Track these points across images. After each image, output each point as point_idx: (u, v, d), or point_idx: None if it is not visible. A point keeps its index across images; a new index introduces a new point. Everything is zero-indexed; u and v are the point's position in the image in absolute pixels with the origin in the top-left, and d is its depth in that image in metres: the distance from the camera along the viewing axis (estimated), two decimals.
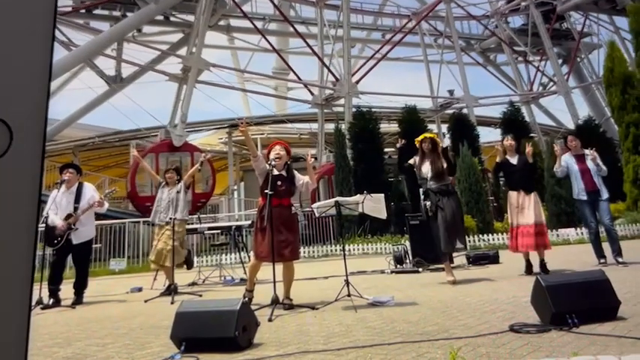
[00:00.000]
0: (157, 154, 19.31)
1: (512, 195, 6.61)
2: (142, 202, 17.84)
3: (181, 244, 7.14)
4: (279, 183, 4.91)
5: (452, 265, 7.55)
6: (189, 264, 7.83)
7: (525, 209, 6.42)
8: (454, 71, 26.09)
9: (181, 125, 19.34)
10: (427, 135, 6.64)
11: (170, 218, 6.71)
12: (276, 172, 4.95)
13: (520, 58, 29.04)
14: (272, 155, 5.07)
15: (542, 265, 6.28)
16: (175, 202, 7.06)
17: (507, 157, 6.81)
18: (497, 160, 6.90)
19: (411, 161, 6.54)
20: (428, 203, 6.24)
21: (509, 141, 6.86)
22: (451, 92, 25.55)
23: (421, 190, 6.61)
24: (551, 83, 28.05)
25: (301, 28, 26.58)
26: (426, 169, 6.33)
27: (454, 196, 6.34)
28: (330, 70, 22.59)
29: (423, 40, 27.06)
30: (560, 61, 28.92)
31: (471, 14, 28.90)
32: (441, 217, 6.08)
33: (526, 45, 27.77)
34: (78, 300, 6.68)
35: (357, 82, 22.69)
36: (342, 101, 22.59)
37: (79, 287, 6.77)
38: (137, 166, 18.67)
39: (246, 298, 4.99)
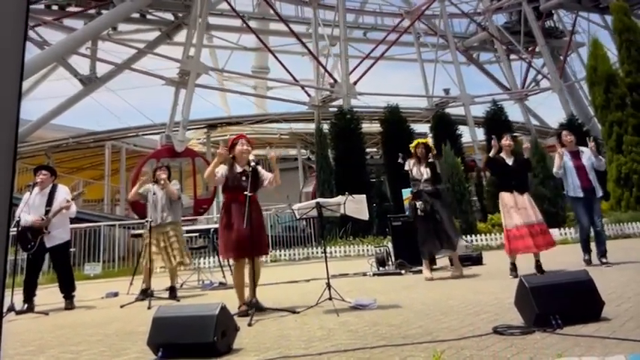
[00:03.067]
0: (159, 159, 19.20)
1: (506, 196, 6.44)
2: (142, 209, 17.49)
3: None
4: (243, 178, 4.78)
5: (435, 267, 7.82)
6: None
7: (525, 209, 6.27)
8: (446, 70, 26.32)
9: (182, 130, 19.24)
10: (420, 141, 7.08)
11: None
12: (239, 169, 4.86)
13: (512, 56, 29.19)
14: (239, 149, 4.94)
15: (538, 265, 6.13)
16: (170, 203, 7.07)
17: (503, 156, 6.66)
18: (491, 154, 6.71)
19: (406, 167, 6.95)
20: (419, 203, 6.54)
21: (507, 141, 6.69)
22: (447, 91, 25.61)
23: (410, 190, 6.91)
24: (541, 80, 28.32)
25: (282, 26, 26.45)
26: (421, 171, 6.77)
27: (445, 201, 6.84)
28: (328, 72, 22.56)
29: (417, 40, 27.16)
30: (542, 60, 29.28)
31: (464, 12, 29.12)
32: (438, 220, 6.53)
33: (518, 42, 27.93)
34: (69, 304, 6.54)
35: (355, 83, 22.63)
36: (336, 102, 22.47)
37: (67, 291, 6.62)
38: (140, 169, 18.55)
39: (244, 309, 4.59)
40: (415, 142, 7.10)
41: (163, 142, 19.40)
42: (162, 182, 6.96)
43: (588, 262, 6.62)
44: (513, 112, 25.50)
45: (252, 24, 25.27)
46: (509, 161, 6.64)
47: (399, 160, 7.06)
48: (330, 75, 22.49)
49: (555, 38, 29.53)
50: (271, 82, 29.20)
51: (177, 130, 19.30)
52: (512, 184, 6.46)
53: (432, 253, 6.74)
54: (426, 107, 24.84)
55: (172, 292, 6.92)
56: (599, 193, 6.89)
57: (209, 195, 20.23)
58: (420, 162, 6.88)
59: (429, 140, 7.33)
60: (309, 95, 22.86)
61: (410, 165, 6.91)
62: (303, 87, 23.28)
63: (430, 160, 6.86)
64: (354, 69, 22.90)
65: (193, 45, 19.68)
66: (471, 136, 23.38)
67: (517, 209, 6.30)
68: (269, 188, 5.08)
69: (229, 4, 22.13)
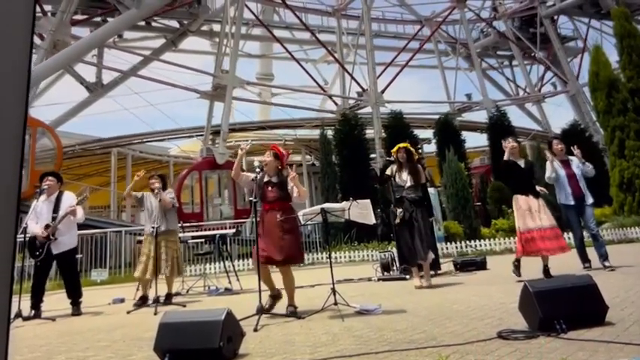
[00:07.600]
0: (200, 171, 19.74)
1: (521, 198, 6.40)
2: (184, 219, 17.79)
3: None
4: (269, 188, 4.87)
5: (439, 271, 7.90)
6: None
7: (538, 212, 6.26)
8: (468, 76, 27.15)
9: (222, 143, 19.83)
10: (401, 145, 6.81)
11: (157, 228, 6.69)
12: (266, 178, 4.92)
13: (525, 62, 29.48)
14: (257, 162, 5.03)
15: (546, 270, 6.19)
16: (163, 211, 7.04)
17: (513, 159, 6.62)
18: (505, 157, 6.66)
19: (388, 172, 6.74)
20: (400, 210, 6.43)
21: (511, 143, 6.64)
22: (469, 96, 25.71)
23: (394, 197, 6.71)
24: (552, 79, 28.86)
25: (285, 33, 26.64)
26: (405, 177, 6.56)
27: (426, 208, 6.60)
28: (356, 81, 22.85)
29: (436, 47, 27.41)
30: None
31: (482, 17, 29.47)
32: (416, 228, 6.36)
33: (533, 46, 28.32)
34: (76, 311, 6.55)
35: (383, 91, 22.91)
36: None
37: (74, 297, 6.64)
38: (183, 181, 19.11)
39: (266, 305, 4.81)
40: (396, 146, 6.81)
41: (204, 154, 20.06)
42: (155, 192, 6.97)
43: (588, 270, 6.58)
44: (516, 118, 25.72)
45: (256, 31, 25.52)
46: (521, 163, 6.61)
47: (373, 174, 6.91)
48: (359, 84, 22.72)
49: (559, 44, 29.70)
50: (275, 89, 29.32)
51: (176, 138, 19.50)
52: (527, 187, 6.44)
53: (413, 261, 6.54)
54: (448, 112, 24.89)
55: (167, 298, 6.97)
56: (590, 200, 7.01)
57: (248, 205, 20.55)
58: (401, 167, 6.63)
59: (409, 144, 7.02)
60: (336, 104, 23.18)
61: (393, 170, 6.67)
62: (330, 96, 23.62)
63: (413, 166, 6.61)
64: (379, 76, 23.17)
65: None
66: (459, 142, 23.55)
67: (531, 213, 6.29)
68: (299, 201, 5.09)
69: (254, 14, 22.52)
